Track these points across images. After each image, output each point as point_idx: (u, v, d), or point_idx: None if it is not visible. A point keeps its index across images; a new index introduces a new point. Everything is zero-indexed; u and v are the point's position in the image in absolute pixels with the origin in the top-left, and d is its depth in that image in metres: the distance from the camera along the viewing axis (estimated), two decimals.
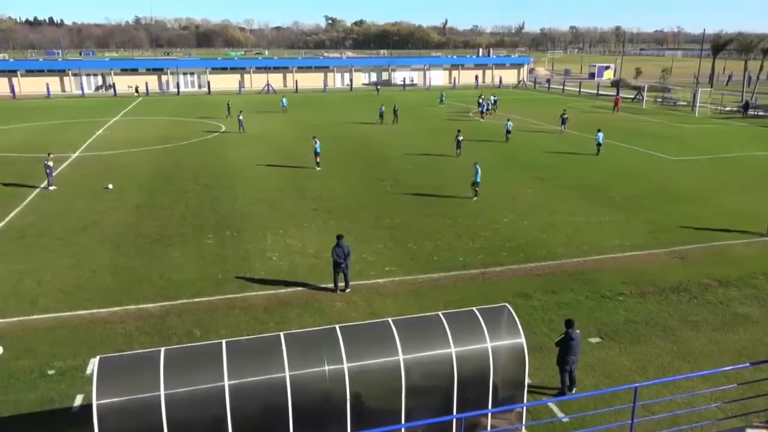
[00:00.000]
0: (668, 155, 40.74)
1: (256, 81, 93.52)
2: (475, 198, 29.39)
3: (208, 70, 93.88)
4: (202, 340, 15.18)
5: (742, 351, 15.08)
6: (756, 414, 8.71)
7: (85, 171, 35.45)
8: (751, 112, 64.31)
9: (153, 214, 27.07)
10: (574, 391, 13.22)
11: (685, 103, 71.00)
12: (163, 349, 10.22)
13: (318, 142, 36.10)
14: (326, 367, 10.48)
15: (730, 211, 27.55)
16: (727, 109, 67.24)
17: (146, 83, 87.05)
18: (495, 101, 63.80)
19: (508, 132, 45.11)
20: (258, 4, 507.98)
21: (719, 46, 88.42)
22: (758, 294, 18.82)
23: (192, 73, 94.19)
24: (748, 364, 8.77)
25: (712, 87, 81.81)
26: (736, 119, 60.69)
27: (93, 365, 9.68)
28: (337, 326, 11.19)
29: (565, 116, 50.54)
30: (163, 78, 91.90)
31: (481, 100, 61.55)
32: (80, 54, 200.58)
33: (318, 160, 36.01)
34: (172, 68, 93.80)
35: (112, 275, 20.17)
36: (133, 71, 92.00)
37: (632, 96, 78.51)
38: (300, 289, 19.13)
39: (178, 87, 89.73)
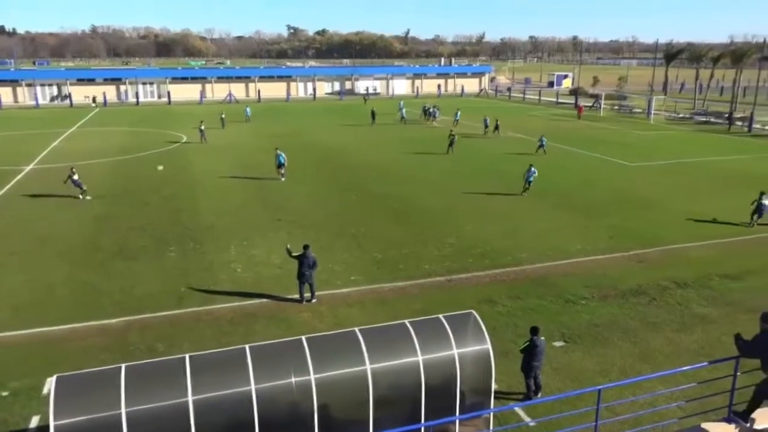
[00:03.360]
0: (626, 161, 41.81)
1: (218, 91, 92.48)
2: (523, 194, 31.65)
3: (168, 80, 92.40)
4: (166, 355, 14.81)
5: (700, 350, 15.51)
6: (714, 411, 8.95)
7: (40, 183, 34.39)
8: (702, 118, 66.57)
9: (112, 226, 26.42)
10: (539, 396, 13.38)
11: (640, 111, 73.07)
12: (123, 366, 9.95)
13: (281, 154, 35.57)
14: (293, 379, 10.37)
15: (686, 215, 28.39)
16: (681, 116, 69.47)
17: (104, 93, 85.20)
18: (434, 109, 65.24)
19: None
20: (219, 13, 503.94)
21: (671, 55, 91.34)
22: (714, 294, 19.42)
23: (152, 83, 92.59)
24: (706, 363, 9.00)
25: (666, 95, 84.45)
26: (689, 125, 62.73)
27: (50, 384, 9.35)
28: (303, 337, 11.09)
29: (497, 123, 53.66)
30: (122, 88, 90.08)
31: (431, 109, 64.31)
32: (34, 64, 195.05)
33: (282, 171, 35.40)
34: (131, 78, 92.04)
35: (70, 290, 19.58)
36: (90, 81, 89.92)
37: (590, 104, 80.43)
38: (265, 300, 18.91)
39: (137, 97, 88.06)
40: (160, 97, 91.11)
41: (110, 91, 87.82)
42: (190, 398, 9.62)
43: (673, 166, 40.55)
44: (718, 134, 56.41)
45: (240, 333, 16.57)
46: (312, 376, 10.39)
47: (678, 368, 9.54)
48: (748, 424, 8.35)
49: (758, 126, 58.95)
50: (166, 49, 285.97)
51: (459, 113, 61.58)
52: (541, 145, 43.86)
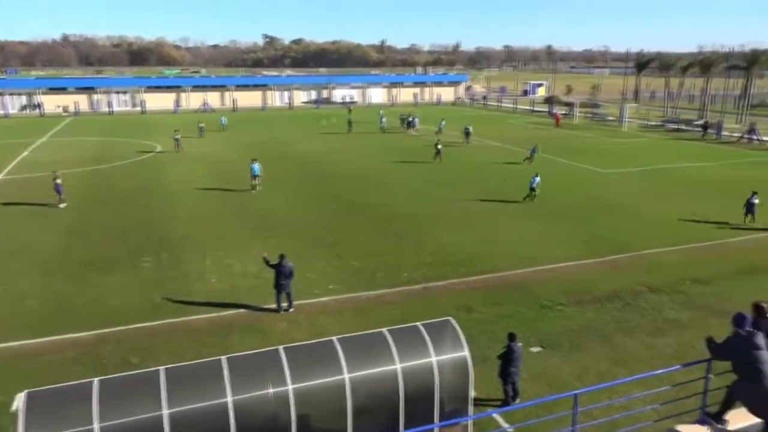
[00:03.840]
0: (600, 168, 42.46)
1: (193, 100, 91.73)
2: (525, 199, 32.25)
3: (142, 89, 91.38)
4: (140, 367, 14.56)
5: (674, 354, 15.77)
6: (688, 413, 9.09)
7: (10, 194, 33.68)
8: (673, 126, 67.98)
9: (85, 237, 25.97)
10: (517, 402, 13.46)
11: (613, 119, 74.31)
12: (96, 380, 9.76)
13: (256, 164, 34.63)
14: (270, 390, 10.28)
15: (658, 221, 28.90)
16: (652, 123, 70.84)
17: (76, 103, 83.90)
18: (412, 118, 65.36)
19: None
20: (194, 22, 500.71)
21: (642, 64, 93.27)
22: (686, 299, 19.77)
23: (125, 92, 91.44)
24: (679, 366, 9.16)
25: (637, 103, 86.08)
26: (661, 132, 63.98)
27: (19, 400, 9.11)
28: (280, 347, 11.01)
29: (467, 129, 54.66)
30: (95, 97, 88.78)
31: (411, 118, 64.32)
32: (4, 72, 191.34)
33: (256, 182, 34.53)
34: (104, 87, 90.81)
35: (41, 303, 19.18)
36: (62, 90, 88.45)
37: (564, 112, 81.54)
38: (242, 310, 18.74)
39: (110, 106, 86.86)
40: (134, 106, 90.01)
41: (82, 101, 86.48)
42: (165, 411, 9.46)
43: (646, 172, 41.27)
44: (688, 141, 57.63)
45: (216, 344, 16.38)
46: (290, 387, 10.30)
47: (652, 372, 9.68)
48: (721, 426, 8.49)
49: (726, 133, 60.36)
50: (140, 57, 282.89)
51: (444, 122, 61.87)
52: (532, 154, 43.80)
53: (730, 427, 8.48)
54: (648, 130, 67.13)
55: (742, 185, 36.31)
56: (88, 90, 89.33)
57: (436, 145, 44.98)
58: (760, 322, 8.22)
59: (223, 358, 10.57)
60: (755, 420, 8.14)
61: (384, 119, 64.79)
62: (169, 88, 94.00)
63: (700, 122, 65.49)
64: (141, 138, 57.23)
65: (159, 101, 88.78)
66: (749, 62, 73.01)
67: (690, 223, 28.37)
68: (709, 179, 38.90)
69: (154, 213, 30.06)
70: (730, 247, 25.19)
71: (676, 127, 67.57)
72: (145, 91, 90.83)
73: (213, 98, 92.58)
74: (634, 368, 14.68)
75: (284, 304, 18.59)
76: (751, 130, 57.00)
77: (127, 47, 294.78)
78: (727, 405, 8.46)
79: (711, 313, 18.41)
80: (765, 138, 55.76)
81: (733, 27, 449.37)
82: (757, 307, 8.41)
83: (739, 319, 8.06)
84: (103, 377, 10.07)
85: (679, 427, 8.52)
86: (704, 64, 79.04)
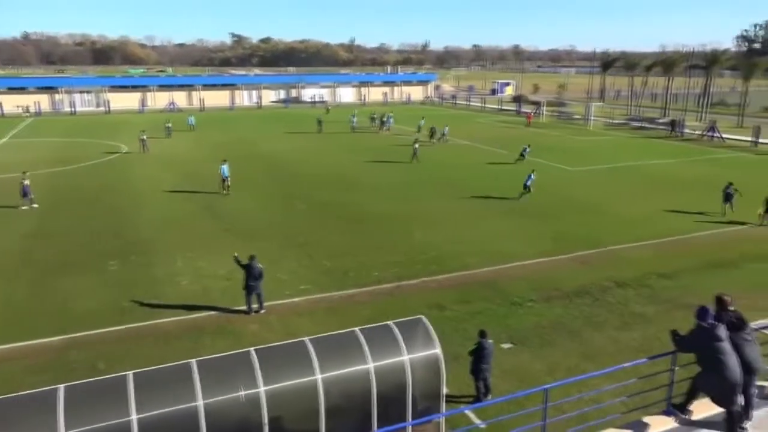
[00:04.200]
0: (567, 166, 43.12)
1: (159, 99, 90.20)
2: (520, 198, 32.63)
3: (106, 89, 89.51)
4: (108, 373, 14.23)
5: (640, 347, 16.11)
6: (654, 404, 9.29)
7: None
8: (637, 124, 69.45)
9: (48, 241, 25.32)
10: (489, 398, 13.58)
11: (579, 117, 75.58)
12: (62, 387, 9.52)
13: (225, 166, 33.72)
14: (242, 392, 10.18)
15: (624, 217, 29.50)
16: (617, 122, 72.24)
17: (36, 103, 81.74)
18: (387, 118, 65.56)
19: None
20: (159, 20, 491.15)
21: (607, 63, 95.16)
22: (652, 293, 20.22)
23: (89, 92, 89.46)
24: (645, 359, 9.36)
25: (603, 102, 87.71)
26: (625, 130, 65.29)
27: None
28: (251, 349, 10.91)
29: (432, 129, 55.31)
30: (57, 97, 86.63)
31: (384, 117, 64.40)
32: None
33: (226, 184, 33.66)
34: (66, 87, 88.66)
35: (4, 308, 18.63)
36: (22, 90, 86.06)
37: (532, 111, 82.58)
38: (212, 313, 18.51)
39: (73, 106, 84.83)
40: (98, 106, 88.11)
41: (44, 101, 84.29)
42: (134, 417, 9.29)
43: (612, 170, 42.06)
44: (652, 139, 58.91)
45: (186, 347, 16.15)
46: (261, 389, 10.22)
47: (620, 365, 9.87)
48: (686, 416, 8.71)
49: (688, 131, 61.90)
50: (104, 56, 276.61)
51: (423, 121, 62.22)
52: (523, 154, 43.99)
53: (694, 417, 8.71)
54: (613, 128, 68.41)
55: (705, 181, 37.41)
56: (49, 90, 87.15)
57: (414, 144, 44.98)
58: (722, 314, 8.45)
59: (194, 361, 10.43)
60: (718, 410, 8.37)
61: (355, 119, 64.53)
62: (134, 88, 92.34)
63: (665, 120, 67.02)
64: (106, 139, 56.04)
65: (124, 101, 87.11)
66: (709, 62, 75.11)
67: (655, 219, 29.03)
68: (674, 176, 39.84)
69: (120, 215, 29.47)
70: (694, 242, 25.85)
71: (640, 125, 69.06)
72: (110, 91, 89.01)
73: (180, 98, 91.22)
74: (603, 362, 14.95)
75: (255, 306, 18.42)
76: (712, 128, 58.57)
77: (91, 46, 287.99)
78: (692, 396, 8.69)
79: (675, 306, 18.87)
80: (725, 135, 57.39)
81: (694, 28, 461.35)
82: (720, 300, 8.64)
83: (701, 312, 8.27)
84: (68, 384, 9.84)
85: (646, 419, 8.71)
86: (666, 63, 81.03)
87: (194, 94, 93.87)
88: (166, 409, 9.67)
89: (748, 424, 8.42)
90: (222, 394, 10.09)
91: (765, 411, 8.86)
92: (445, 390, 12.03)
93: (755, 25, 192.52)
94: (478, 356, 13.52)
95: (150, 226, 27.63)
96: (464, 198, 33.10)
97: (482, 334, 13.70)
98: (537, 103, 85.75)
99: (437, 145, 52.48)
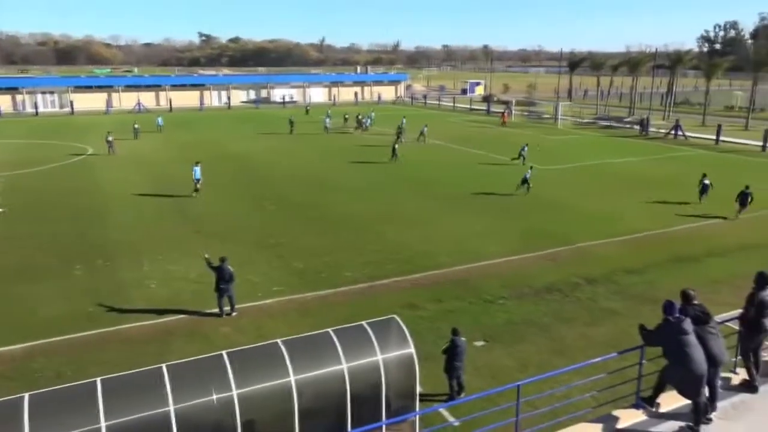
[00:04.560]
0: (537, 165, 43.57)
1: (126, 100, 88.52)
2: (525, 192, 33.74)
3: (70, 89, 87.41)
4: (74, 380, 13.92)
5: (610, 342, 16.37)
6: (624, 398, 9.46)
7: None
8: (605, 123, 70.70)
9: (10, 245, 24.64)
10: (462, 395, 13.67)
11: (549, 116, 76.60)
12: (27, 395, 9.28)
13: (197, 168, 33.22)
14: (214, 397, 10.06)
15: (593, 215, 30.00)
16: (585, 121, 73.44)
17: None
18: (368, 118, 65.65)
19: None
20: (125, 19, 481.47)
21: (575, 63, 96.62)
22: (620, 289, 20.61)
23: (52, 93, 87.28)
24: (614, 354, 9.51)
25: (571, 101, 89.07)
26: (593, 129, 66.41)
27: None
28: (223, 352, 10.79)
29: (400, 128, 55.68)
30: (18, 98, 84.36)
31: (364, 117, 64.44)
32: None
33: (197, 186, 33.17)
34: (28, 87, 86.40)
35: None
36: None
37: (502, 110, 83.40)
38: (183, 316, 18.24)
39: (36, 107, 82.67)
40: (62, 107, 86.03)
41: (5, 102, 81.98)
42: (102, 424, 9.10)
43: (581, 168, 42.72)
44: (619, 138, 60.01)
45: (156, 352, 15.88)
46: (234, 392, 10.11)
47: (590, 360, 10.01)
48: (654, 409, 8.89)
49: (654, 129, 63.23)
50: (68, 56, 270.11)
51: (404, 120, 61.99)
52: (522, 153, 43.64)
53: (662, 410, 8.90)
54: (582, 127, 69.50)
55: (671, 179, 38.34)
56: (11, 90, 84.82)
57: (394, 144, 44.96)
58: (687, 308, 8.64)
59: (164, 365, 10.27)
60: (685, 401, 8.56)
61: (328, 120, 63.76)
62: (99, 88, 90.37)
63: (631, 119, 68.31)
64: (71, 140, 54.75)
65: (89, 102, 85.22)
66: (673, 62, 76.82)
67: (623, 216, 29.58)
68: (641, 173, 40.66)
69: (86, 218, 28.84)
70: (660, 238, 26.42)
71: (608, 124, 70.31)
72: (74, 91, 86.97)
73: (147, 98, 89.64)
74: (573, 357, 15.18)
75: (226, 308, 18.21)
76: (677, 127, 59.93)
77: (53, 45, 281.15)
78: (659, 389, 8.87)
79: (643, 301, 19.26)
80: (688, 134, 58.79)
81: (657, 28, 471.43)
82: (685, 295, 8.83)
83: (668, 307, 8.44)
84: (33, 392, 9.59)
85: (615, 413, 8.86)
86: (632, 63, 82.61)
87: (162, 94, 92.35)
88: (137, 415, 9.50)
89: (713, 415, 8.64)
90: (194, 399, 9.95)
91: (729, 402, 9.10)
92: (419, 389, 12.07)
93: (716, 26, 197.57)
94: (452, 354, 13.60)
95: (117, 229, 27.10)
96: (437, 198, 33.26)
97: (455, 332, 13.78)
98: (507, 103, 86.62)
99: (414, 145, 52.58)
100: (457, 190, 34.81)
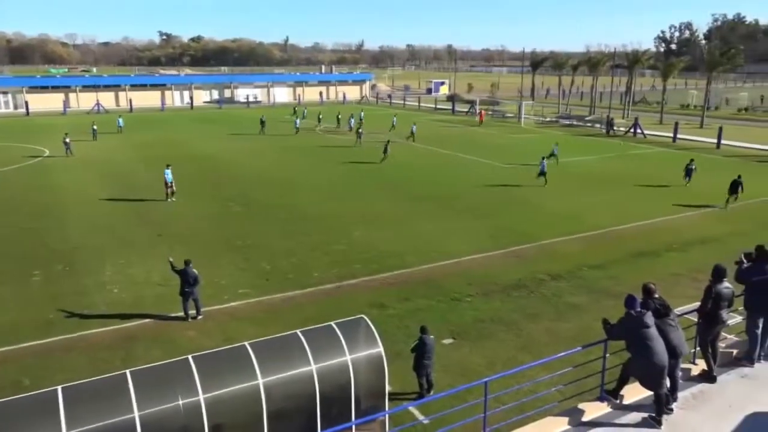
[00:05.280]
0: (501, 163, 44.19)
1: (84, 100, 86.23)
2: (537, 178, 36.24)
3: (24, 89, 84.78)
4: (33, 389, 13.52)
5: (575, 337, 16.70)
6: (589, 392, 9.66)
7: None
8: (567, 122, 72.00)
9: None
10: (432, 393, 13.75)
11: (512, 115, 77.62)
12: None
13: (169, 170, 32.18)
14: (180, 402, 9.89)
15: (557, 212, 30.51)
16: (548, 119, 74.67)
17: None
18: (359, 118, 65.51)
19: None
20: (81, 17, 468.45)
21: (537, 63, 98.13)
22: (584, 284, 21.02)
23: (5, 93, 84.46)
24: (579, 348, 9.71)
25: (533, 100, 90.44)
26: (556, 128, 67.55)
27: None
28: (189, 356, 10.62)
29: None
30: None
31: (351, 119, 64.17)
32: None
33: (170, 190, 31.95)
34: None
35: None
36: None
37: (466, 109, 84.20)
38: (147, 321, 17.88)
39: None
40: (16, 108, 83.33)
41: None
42: None
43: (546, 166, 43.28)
44: (581, 136, 61.18)
45: (119, 358, 15.54)
46: (201, 396, 9.96)
47: (555, 355, 10.20)
48: (618, 401, 9.11)
49: (614, 127, 64.58)
50: (21, 55, 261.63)
51: (395, 119, 63.31)
52: (553, 153, 43.64)
53: (625, 402, 9.12)
54: (544, 126, 70.64)
55: (633, 175, 39.27)
56: None
57: (386, 144, 44.79)
58: (648, 302, 8.88)
59: (128, 371, 10.05)
60: (647, 393, 8.79)
61: (298, 120, 62.93)
62: (56, 89, 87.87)
63: (592, 118, 69.65)
64: (26, 142, 53.06)
65: (45, 102, 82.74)
66: (631, 62, 78.63)
67: (586, 213, 30.16)
68: (603, 171, 41.54)
69: (44, 222, 28.00)
70: (622, 234, 27.04)
71: (570, 122, 71.63)
72: (29, 92, 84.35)
73: (106, 99, 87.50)
74: (539, 353, 15.42)
75: (192, 312, 17.92)
76: (636, 125, 61.41)
77: (6, 44, 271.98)
78: (623, 381, 9.09)
79: (606, 296, 19.69)
80: (647, 132, 60.33)
81: (616, 29, 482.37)
82: (646, 289, 9.07)
83: (630, 301, 8.66)
84: None
85: (581, 406, 9.05)
86: (591, 63, 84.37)
87: (122, 94, 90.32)
88: (100, 423, 9.27)
89: (674, 405, 8.90)
90: (159, 404, 9.77)
91: (689, 392, 9.38)
92: (388, 388, 12.09)
93: (671, 27, 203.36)
94: (420, 352, 13.66)
95: (77, 233, 26.39)
96: (404, 198, 33.36)
97: (423, 331, 13.85)
98: (471, 102, 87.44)
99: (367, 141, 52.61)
100: (424, 190, 34.98)
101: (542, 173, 36.36)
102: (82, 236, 25.90)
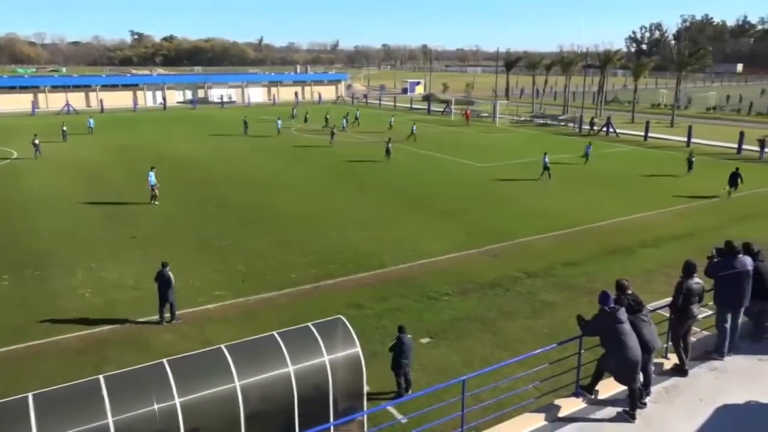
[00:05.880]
0: (477, 162, 44.46)
1: (53, 101, 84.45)
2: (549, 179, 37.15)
3: None
4: (3, 396, 13.22)
5: (550, 333, 16.90)
6: (565, 387, 9.77)
7: None
8: (541, 121, 72.76)
9: None
10: (410, 392, 13.78)
11: (487, 115, 78.12)
12: None
13: (153, 173, 31.62)
14: (155, 406, 9.75)
15: (532, 210, 30.82)
16: (522, 119, 75.38)
17: None
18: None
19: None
20: (49, 16, 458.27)
21: (511, 63, 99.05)
22: (558, 282, 21.27)
23: None
24: (555, 345, 9.81)
25: (508, 99, 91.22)
26: (530, 127, 68.23)
27: None
28: (164, 360, 10.47)
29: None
30: None
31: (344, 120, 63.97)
32: None
33: (154, 192, 31.34)
34: None
35: None
36: None
37: (441, 109, 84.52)
38: (120, 325, 17.60)
39: None
40: None
41: None
42: None
43: (520, 165, 43.76)
44: (554, 135, 61.85)
45: (92, 363, 15.26)
46: (177, 400, 9.83)
47: (531, 352, 10.29)
48: (593, 396, 9.23)
49: (587, 126, 65.46)
50: None
51: (393, 119, 63.79)
52: (587, 153, 44.38)
53: (600, 397, 9.25)
54: (519, 125, 71.27)
55: (606, 173, 39.85)
56: None
57: (387, 143, 45.13)
58: (621, 298, 9.01)
59: (101, 376, 9.88)
60: (622, 388, 8.93)
61: (279, 122, 61.67)
62: (24, 89, 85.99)
63: (565, 117, 70.51)
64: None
65: (12, 103, 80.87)
66: (603, 62, 79.76)
67: (560, 211, 30.52)
68: (577, 169, 42.03)
69: (12, 225, 27.37)
70: (595, 231, 27.42)
71: (544, 121, 72.40)
72: None
73: (76, 99, 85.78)
74: (516, 350, 15.56)
75: (167, 315, 17.69)
76: (608, 124, 62.30)
77: None
78: (597, 377, 9.21)
79: (580, 293, 19.95)
80: (619, 130, 61.26)
81: (588, 29, 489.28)
82: (619, 285, 9.20)
83: (603, 297, 8.78)
84: None
85: (557, 402, 9.15)
86: (564, 63, 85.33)
87: (92, 95, 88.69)
88: (74, 430, 9.09)
89: (647, 399, 9.05)
90: (134, 410, 9.62)
91: (662, 387, 9.55)
92: (366, 388, 12.08)
93: (642, 27, 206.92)
94: (398, 352, 13.68)
95: (47, 236, 25.86)
96: (381, 197, 33.37)
97: (401, 330, 13.88)
98: (446, 102, 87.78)
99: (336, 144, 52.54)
100: (400, 190, 35.04)
101: (546, 168, 37.61)
102: (53, 239, 25.39)
